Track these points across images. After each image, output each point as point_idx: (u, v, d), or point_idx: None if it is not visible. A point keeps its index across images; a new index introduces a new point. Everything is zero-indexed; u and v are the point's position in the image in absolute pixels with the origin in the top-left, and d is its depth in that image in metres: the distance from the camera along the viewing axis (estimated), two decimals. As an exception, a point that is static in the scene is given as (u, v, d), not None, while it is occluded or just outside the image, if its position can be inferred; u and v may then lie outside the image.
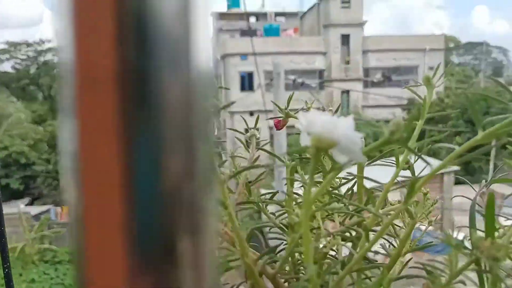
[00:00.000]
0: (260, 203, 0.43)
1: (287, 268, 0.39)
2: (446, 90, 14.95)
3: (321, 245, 0.38)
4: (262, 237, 0.40)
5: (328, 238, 0.37)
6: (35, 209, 9.09)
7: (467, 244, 0.30)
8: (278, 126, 0.57)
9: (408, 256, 0.45)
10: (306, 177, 0.43)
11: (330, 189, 0.44)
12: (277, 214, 0.43)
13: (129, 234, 0.12)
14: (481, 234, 0.31)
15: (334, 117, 0.27)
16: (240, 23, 18.10)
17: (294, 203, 0.40)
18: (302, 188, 0.39)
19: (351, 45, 16.17)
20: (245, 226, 0.42)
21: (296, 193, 0.42)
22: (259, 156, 0.45)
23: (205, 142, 0.13)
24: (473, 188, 0.43)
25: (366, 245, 0.32)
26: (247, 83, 15.26)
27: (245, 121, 0.52)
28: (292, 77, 15.37)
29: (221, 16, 20.38)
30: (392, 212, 0.35)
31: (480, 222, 0.33)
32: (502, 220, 0.36)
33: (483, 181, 0.41)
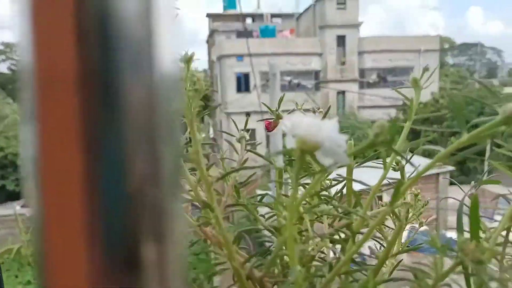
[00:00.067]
0: (249, 205, 0.43)
1: (276, 271, 0.39)
2: (441, 91, 15.03)
3: (310, 248, 0.38)
4: (249, 240, 0.40)
5: (316, 241, 0.37)
6: (30, 211, 9.01)
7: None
8: (269, 127, 0.57)
9: (400, 257, 0.45)
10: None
11: (320, 190, 0.44)
12: (267, 216, 0.43)
13: (91, 237, 0.12)
14: (468, 236, 0.31)
15: (319, 120, 0.26)
16: (236, 24, 18.09)
17: (284, 205, 0.40)
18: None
19: (347, 46, 16.21)
20: (241, 227, 0.42)
21: (285, 195, 0.42)
22: (247, 158, 0.45)
23: (170, 145, 0.12)
24: (462, 189, 0.43)
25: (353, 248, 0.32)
26: (243, 84, 15.25)
27: (234, 123, 0.52)
28: (288, 78, 15.38)
29: (217, 17, 20.38)
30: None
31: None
32: (497, 219, 0.35)
33: (472, 182, 0.41)
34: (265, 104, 0.55)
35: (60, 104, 0.11)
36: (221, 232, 0.34)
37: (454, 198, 0.43)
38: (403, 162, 0.40)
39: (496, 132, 0.26)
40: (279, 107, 0.56)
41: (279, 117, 0.52)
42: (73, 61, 0.11)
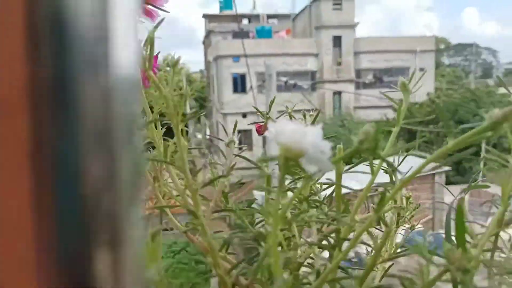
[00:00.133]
0: (237, 211, 0.42)
1: (263, 279, 0.39)
2: (437, 91, 15.08)
3: (297, 255, 0.37)
4: (238, 247, 0.39)
5: (304, 248, 0.36)
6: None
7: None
8: (260, 131, 0.56)
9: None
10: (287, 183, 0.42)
11: (309, 195, 0.44)
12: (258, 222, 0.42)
13: (42, 243, 0.11)
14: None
15: (303, 126, 0.26)
16: (232, 25, 18.09)
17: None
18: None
19: (343, 47, 16.24)
20: (230, 233, 0.41)
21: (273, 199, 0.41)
22: (235, 163, 0.44)
23: (128, 148, 0.12)
24: (452, 193, 0.43)
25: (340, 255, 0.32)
26: (239, 84, 15.24)
27: (223, 126, 0.51)
28: (284, 78, 15.38)
29: (214, 18, 20.38)
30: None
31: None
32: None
33: (462, 187, 0.41)
34: (255, 108, 0.54)
35: (12, 107, 0.11)
36: (206, 239, 0.34)
37: (443, 202, 0.42)
38: (395, 164, 0.40)
39: (483, 138, 0.26)
40: (269, 109, 0.56)
41: (270, 119, 0.52)
42: (25, 62, 0.10)
